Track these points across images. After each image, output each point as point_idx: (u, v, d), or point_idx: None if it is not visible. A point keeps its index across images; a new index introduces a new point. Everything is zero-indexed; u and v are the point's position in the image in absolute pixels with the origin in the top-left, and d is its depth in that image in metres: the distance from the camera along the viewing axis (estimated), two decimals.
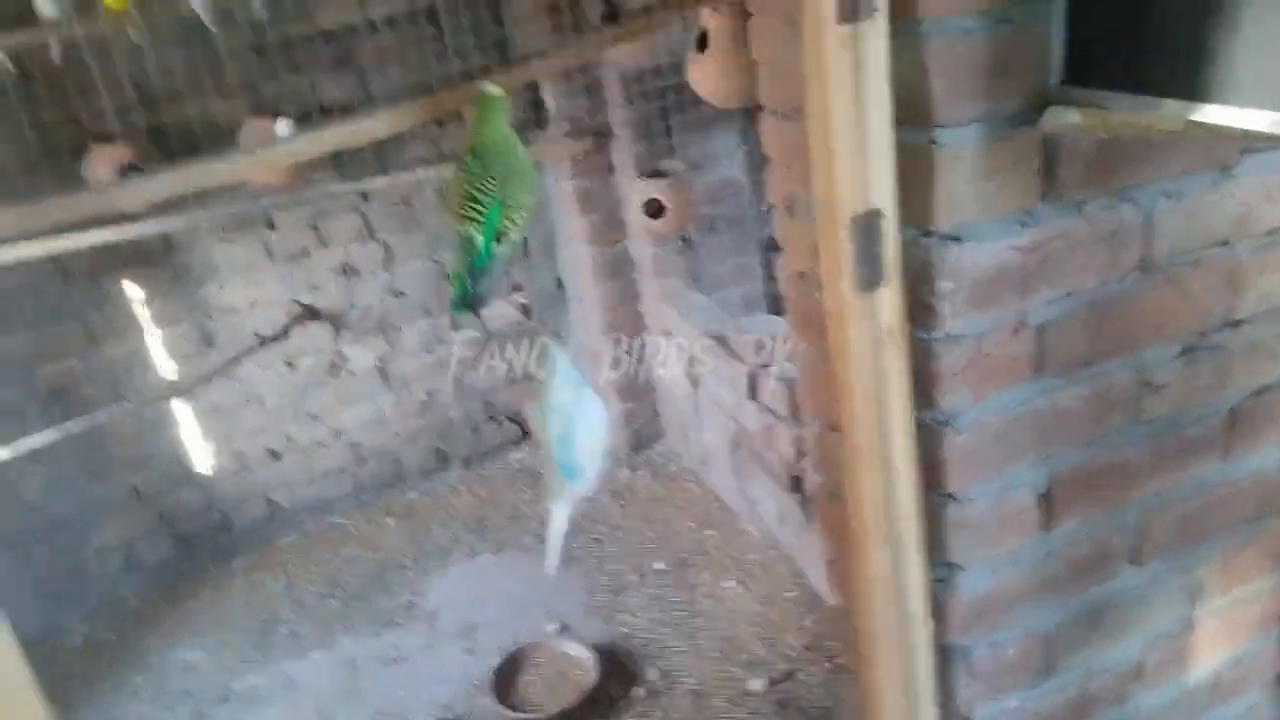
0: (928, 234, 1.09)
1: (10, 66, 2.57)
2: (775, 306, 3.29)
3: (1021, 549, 1.28)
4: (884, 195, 1.04)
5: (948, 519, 1.24)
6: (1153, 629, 1.43)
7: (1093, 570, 1.34)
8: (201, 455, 3.52)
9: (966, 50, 1.00)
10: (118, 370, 3.29)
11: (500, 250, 1.64)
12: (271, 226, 3.38)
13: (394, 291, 3.61)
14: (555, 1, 2.92)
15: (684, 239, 3.27)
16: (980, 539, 1.25)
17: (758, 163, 3.35)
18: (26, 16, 2.46)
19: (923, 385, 1.16)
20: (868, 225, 1.05)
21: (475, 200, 1.60)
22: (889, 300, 1.09)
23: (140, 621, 3.31)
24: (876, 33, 0.97)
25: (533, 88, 3.31)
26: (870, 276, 1.07)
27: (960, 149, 1.04)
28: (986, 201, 1.07)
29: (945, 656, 1.33)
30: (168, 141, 2.96)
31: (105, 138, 2.84)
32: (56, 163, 2.81)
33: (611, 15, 2.70)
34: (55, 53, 2.57)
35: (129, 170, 2.80)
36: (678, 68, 2.60)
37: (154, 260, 3.26)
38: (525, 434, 3.98)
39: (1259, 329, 1.29)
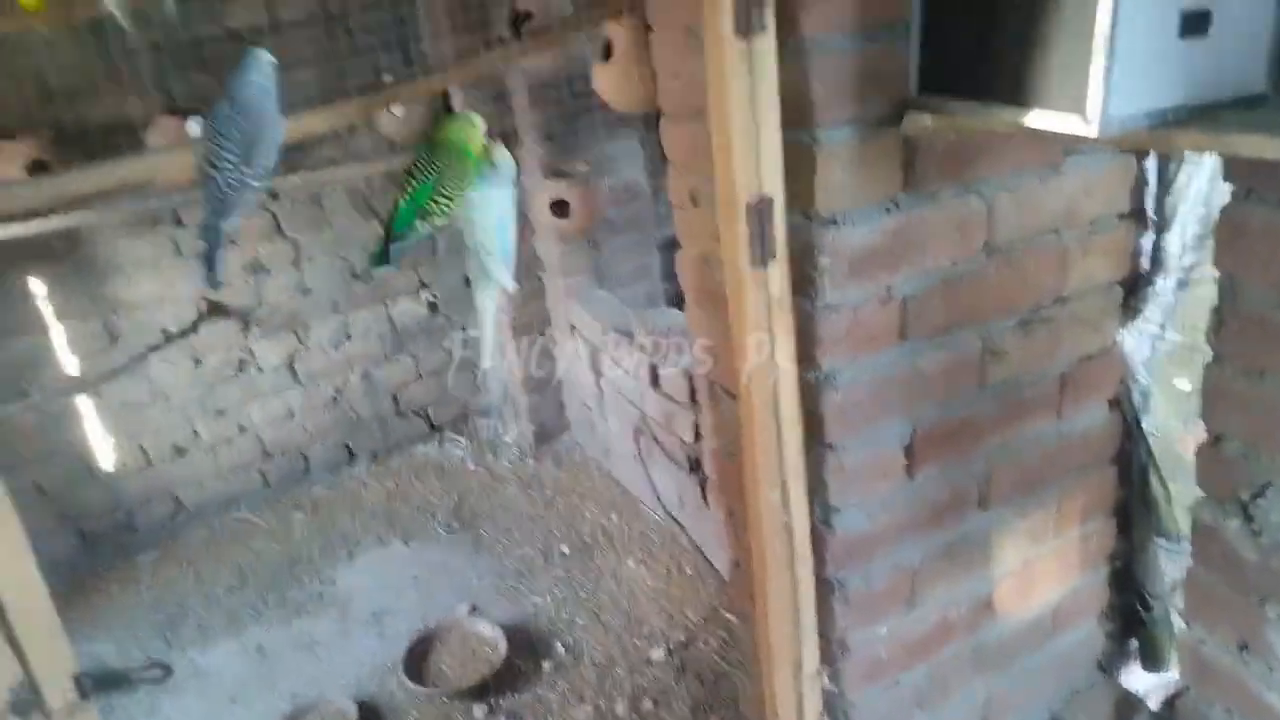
0: (809, 218, 1.29)
1: None
2: (674, 302, 3.48)
3: (889, 493, 1.50)
4: (774, 184, 1.23)
5: (827, 466, 1.44)
6: (999, 566, 1.66)
7: (948, 513, 1.56)
8: (105, 452, 3.52)
9: (841, 63, 1.21)
10: (20, 366, 3.27)
11: (421, 226, 1.92)
12: (179, 223, 3.42)
13: (303, 289, 3.68)
14: (466, 18, 3.07)
15: (589, 239, 3.43)
16: (854, 484, 1.46)
17: (657, 167, 3.54)
18: None
19: (807, 348, 1.36)
20: (761, 209, 1.24)
21: (411, 176, 1.95)
22: (778, 274, 1.29)
23: None
24: (767, 46, 1.16)
25: (442, 93, 3.44)
26: (763, 253, 1.27)
27: (836, 146, 1.24)
28: (858, 191, 1.28)
29: (825, 589, 1.53)
30: (78, 139, 2.99)
31: (11, 135, 2.86)
32: None
33: (518, 24, 2.84)
34: None
35: (36, 168, 2.83)
36: (583, 74, 2.77)
37: (58, 256, 3.26)
38: (433, 428, 4.08)
39: (1082, 304, 1.54)
